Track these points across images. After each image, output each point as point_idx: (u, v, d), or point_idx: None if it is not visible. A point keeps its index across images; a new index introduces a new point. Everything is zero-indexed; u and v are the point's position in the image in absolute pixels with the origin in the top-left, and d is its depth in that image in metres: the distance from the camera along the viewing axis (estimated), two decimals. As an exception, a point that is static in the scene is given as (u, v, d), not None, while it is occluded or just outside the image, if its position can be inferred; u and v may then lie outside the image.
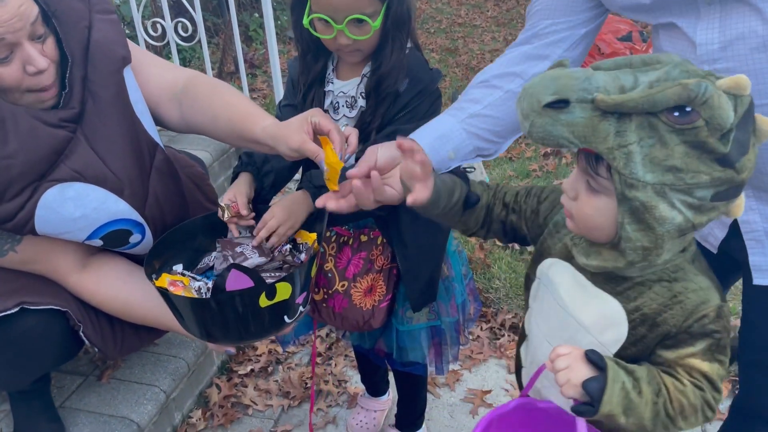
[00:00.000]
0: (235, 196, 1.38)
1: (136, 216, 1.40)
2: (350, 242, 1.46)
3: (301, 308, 1.31)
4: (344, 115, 1.39)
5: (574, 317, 1.01)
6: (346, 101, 1.38)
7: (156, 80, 1.47)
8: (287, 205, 1.36)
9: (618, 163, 0.84)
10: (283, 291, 1.23)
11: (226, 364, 2.16)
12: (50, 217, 1.29)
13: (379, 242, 1.46)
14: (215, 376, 2.11)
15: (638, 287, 0.96)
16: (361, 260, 1.45)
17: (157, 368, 1.88)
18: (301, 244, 1.42)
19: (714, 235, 1.18)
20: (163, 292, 1.27)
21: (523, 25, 1.34)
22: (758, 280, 1.13)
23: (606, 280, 0.98)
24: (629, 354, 0.98)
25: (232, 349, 1.48)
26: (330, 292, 1.46)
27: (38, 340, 1.40)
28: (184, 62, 4.56)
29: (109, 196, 1.35)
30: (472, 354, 2.22)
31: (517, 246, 2.75)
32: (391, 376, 1.97)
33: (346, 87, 1.37)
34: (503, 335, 2.31)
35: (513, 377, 2.12)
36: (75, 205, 1.30)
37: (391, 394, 2.00)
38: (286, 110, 1.45)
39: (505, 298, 2.45)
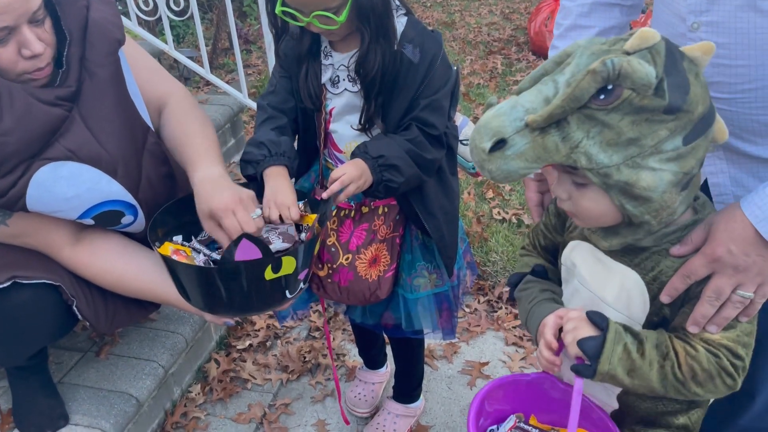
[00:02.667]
0: (288, 206, 1.30)
1: (129, 198, 1.40)
2: (351, 215, 1.45)
3: (301, 284, 1.32)
4: (346, 89, 1.38)
5: (598, 295, 1.02)
6: (348, 75, 1.36)
7: (149, 87, 1.49)
8: (360, 165, 1.31)
9: (581, 162, 0.86)
10: (288, 265, 1.24)
11: (224, 339, 2.17)
12: (42, 195, 1.28)
13: (380, 212, 1.46)
14: (214, 351, 2.12)
15: (655, 256, 0.96)
16: (364, 232, 1.45)
17: (155, 344, 1.89)
18: (303, 225, 1.41)
19: None
20: (168, 261, 1.26)
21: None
22: None
23: (623, 253, 0.98)
24: (654, 324, 0.99)
25: (231, 321, 1.48)
26: (334, 266, 1.46)
27: (31, 315, 1.39)
28: (178, 38, 4.51)
29: (103, 176, 1.34)
30: (469, 326, 2.22)
31: (514, 219, 2.75)
32: (388, 349, 1.98)
33: (346, 60, 1.35)
34: (500, 308, 2.32)
35: (510, 349, 2.13)
36: (68, 185, 1.29)
37: (389, 367, 2.01)
38: (281, 81, 1.43)
39: (502, 271, 2.45)
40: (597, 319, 0.96)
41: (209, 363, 2.06)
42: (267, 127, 1.40)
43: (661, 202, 0.88)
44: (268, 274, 1.22)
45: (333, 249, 1.46)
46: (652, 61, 0.82)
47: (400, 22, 1.32)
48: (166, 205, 1.40)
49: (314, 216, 1.39)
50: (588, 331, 0.96)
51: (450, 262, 1.52)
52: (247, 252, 1.19)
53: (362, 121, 1.36)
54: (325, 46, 1.38)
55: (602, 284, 1.02)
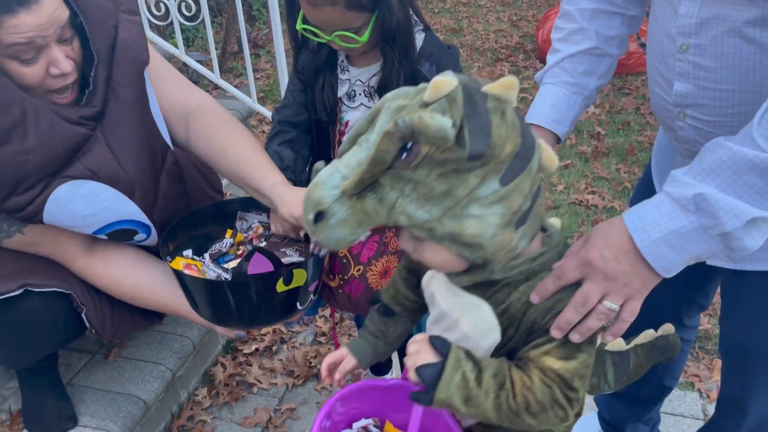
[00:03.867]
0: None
1: (143, 218, 1.41)
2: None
3: (311, 296, 1.34)
4: (362, 104, 1.39)
5: (456, 325, 1.00)
6: (364, 90, 1.38)
7: (169, 95, 1.49)
8: None
9: (402, 221, 0.84)
10: (299, 278, 1.25)
11: (230, 343, 2.19)
12: (59, 212, 1.29)
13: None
14: (220, 355, 2.13)
15: (505, 288, 0.94)
16: (375, 243, 1.46)
17: (162, 347, 1.90)
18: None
19: None
20: (179, 275, 1.28)
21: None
22: (711, 260, 1.14)
23: (476, 286, 0.95)
24: (502, 354, 0.97)
25: (242, 333, 1.49)
26: (346, 277, 1.47)
27: (41, 322, 1.41)
28: (187, 42, 4.53)
29: (120, 197, 1.35)
30: (474, 334, 2.23)
31: (520, 227, 2.75)
32: (394, 356, 1.99)
33: (363, 75, 1.37)
34: (506, 316, 2.32)
35: (515, 357, 2.14)
36: (85, 203, 1.31)
37: (395, 373, 2.02)
38: (296, 93, 1.45)
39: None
40: (438, 344, 0.93)
41: (216, 366, 2.08)
42: (275, 142, 1.43)
43: (494, 245, 0.86)
44: (280, 287, 1.23)
45: (344, 260, 1.47)
46: (449, 109, 0.79)
47: (418, 39, 1.33)
48: (177, 220, 1.42)
49: None
50: (429, 356, 0.93)
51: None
52: (259, 265, 1.20)
53: None
54: (342, 61, 1.39)
55: (459, 316, 0.99)
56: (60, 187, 1.27)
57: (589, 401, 1.93)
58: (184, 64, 3.21)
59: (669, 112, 1.07)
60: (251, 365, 2.10)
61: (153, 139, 1.41)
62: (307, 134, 1.46)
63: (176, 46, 3.01)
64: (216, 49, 3.07)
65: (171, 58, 3.34)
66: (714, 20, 0.93)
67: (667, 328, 1.31)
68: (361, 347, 1.18)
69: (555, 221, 0.99)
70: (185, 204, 1.52)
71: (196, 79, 3.87)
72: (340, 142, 1.44)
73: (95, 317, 1.47)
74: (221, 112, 1.51)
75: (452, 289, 0.99)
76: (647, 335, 1.28)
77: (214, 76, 3.00)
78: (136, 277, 1.46)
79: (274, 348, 2.19)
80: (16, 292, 1.36)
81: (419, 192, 0.82)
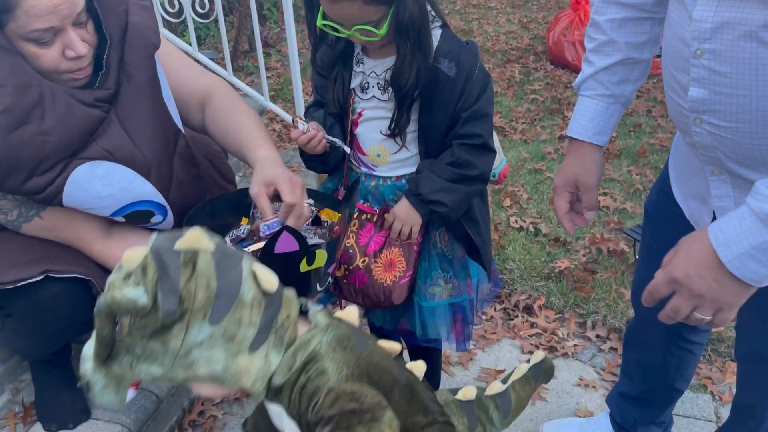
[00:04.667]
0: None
1: (160, 199, 1.42)
2: (374, 219, 1.47)
3: (329, 279, 1.35)
4: (374, 96, 1.40)
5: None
6: (378, 83, 1.39)
7: (191, 83, 1.54)
8: (403, 205, 1.43)
9: (146, 378, 0.91)
10: (320, 258, 1.27)
11: (241, 339, 2.19)
12: (78, 193, 1.31)
13: None
14: (231, 351, 2.13)
15: (286, 391, 0.99)
16: (383, 238, 1.47)
17: (175, 342, 1.91)
18: (325, 221, 1.44)
19: (703, 219, 1.19)
20: None
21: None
22: None
23: (272, 397, 1.01)
24: None
25: None
26: (351, 267, 1.48)
27: (62, 309, 1.41)
28: (199, 41, 4.55)
29: (137, 177, 1.37)
30: (485, 334, 2.23)
31: (531, 228, 2.75)
32: (405, 355, 1.99)
33: (378, 68, 1.38)
34: (516, 316, 2.32)
35: (526, 357, 2.13)
36: (103, 184, 1.32)
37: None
38: (321, 90, 1.50)
39: (519, 280, 2.46)
40: None
41: (227, 362, 2.08)
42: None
43: (234, 375, 0.92)
44: (303, 267, 1.25)
45: (351, 251, 1.49)
46: (142, 279, 0.86)
47: (435, 35, 1.34)
48: (199, 204, 1.43)
49: (337, 214, 1.44)
50: None
51: (488, 264, 1.56)
52: (286, 244, 1.21)
53: (392, 129, 1.38)
54: (358, 53, 1.40)
55: (280, 424, 1.05)
56: (78, 168, 1.29)
57: (601, 402, 1.93)
58: (196, 62, 3.22)
59: (685, 118, 1.06)
60: (262, 362, 2.10)
61: (165, 122, 1.43)
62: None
63: (189, 43, 3.01)
64: (228, 47, 3.07)
65: (183, 56, 3.35)
66: (729, 25, 0.92)
67: (537, 356, 1.40)
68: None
69: (320, 317, 1.03)
70: (200, 188, 1.53)
71: (208, 77, 3.88)
72: (351, 132, 1.48)
73: None
74: (230, 94, 1.56)
75: (266, 404, 1.06)
76: (520, 370, 1.37)
77: (227, 74, 3.00)
78: None
79: (285, 345, 2.19)
80: (38, 278, 1.36)
81: (145, 353, 0.89)
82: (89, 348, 0.90)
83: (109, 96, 1.33)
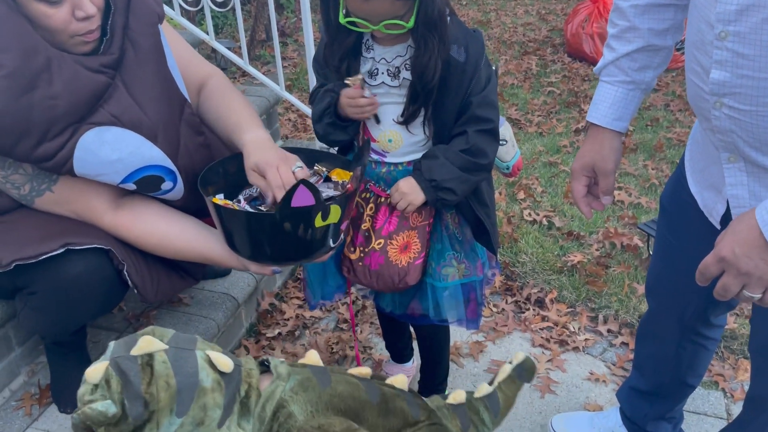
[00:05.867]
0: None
1: (168, 163, 1.45)
2: (388, 202, 1.49)
3: (341, 236, 1.39)
4: (383, 82, 1.41)
5: None
6: (388, 69, 1.40)
7: (193, 68, 1.59)
8: (412, 184, 1.44)
9: None
10: (335, 214, 1.30)
11: (254, 326, 2.21)
12: (88, 158, 1.34)
13: None
14: (244, 338, 2.16)
15: None
16: (397, 219, 1.48)
17: (188, 327, 1.93)
18: (337, 182, 1.47)
19: (716, 209, 1.20)
20: (220, 209, 1.33)
21: None
22: None
23: None
24: None
25: (278, 269, 1.48)
26: (366, 250, 1.50)
27: (85, 283, 1.42)
28: (216, 29, 4.56)
29: (144, 142, 1.39)
30: (496, 326, 2.23)
31: (545, 221, 2.74)
32: (415, 345, 2.00)
33: (388, 55, 1.39)
34: (528, 309, 2.32)
35: (537, 350, 2.13)
36: (112, 149, 1.35)
37: (416, 362, 2.03)
38: (322, 75, 1.49)
39: (531, 273, 2.45)
40: None
41: (239, 349, 2.10)
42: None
43: None
44: (318, 222, 1.28)
45: (367, 234, 1.50)
46: (108, 390, 0.97)
47: None
48: (212, 164, 1.47)
49: (349, 174, 1.47)
50: None
51: (497, 246, 1.60)
52: (302, 198, 1.24)
53: (404, 116, 1.40)
54: (367, 39, 1.41)
55: None
56: (87, 133, 1.32)
57: (611, 397, 1.92)
58: (213, 51, 3.23)
59: (705, 102, 1.06)
60: (274, 349, 2.13)
61: (171, 90, 1.46)
62: None
63: (206, 31, 3.03)
64: (245, 37, 3.08)
65: (200, 44, 3.36)
66: (754, 7, 0.92)
67: (519, 357, 1.43)
68: None
69: (281, 368, 1.16)
70: (208, 155, 1.55)
71: (224, 65, 3.90)
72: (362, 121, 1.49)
73: (136, 275, 1.49)
74: (225, 82, 1.62)
75: None
76: (504, 370, 1.41)
77: (243, 63, 3.02)
78: (166, 227, 1.48)
79: (297, 333, 2.21)
80: (58, 251, 1.38)
81: None
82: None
83: (114, 61, 1.36)
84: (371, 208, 1.51)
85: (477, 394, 1.38)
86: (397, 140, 1.47)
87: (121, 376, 0.98)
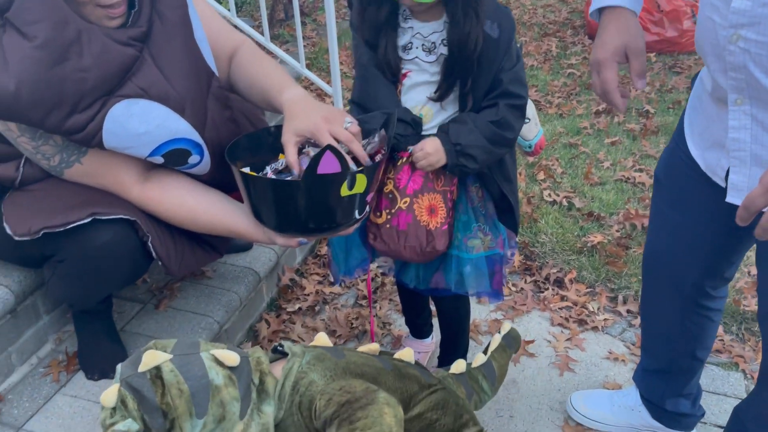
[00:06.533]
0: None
1: (196, 136, 1.45)
2: (409, 161, 1.48)
3: (367, 207, 1.38)
4: (417, 57, 1.41)
5: None
6: (423, 44, 1.40)
7: (222, 38, 1.59)
8: (436, 144, 1.43)
9: None
10: (360, 183, 1.29)
11: (275, 301, 2.23)
12: (117, 130, 1.35)
13: None
14: (265, 312, 2.18)
15: (289, 418, 1.13)
16: (421, 178, 1.47)
17: (211, 300, 1.95)
18: (374, 134, 1.44)
19: (721, 165, 1.19)
20: (246, 177, 1.32)
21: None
22: (731, 198, 1.16)
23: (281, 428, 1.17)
24: None
25: (305, 240, 1.46)
26: (393, 211, 1.49)
27: (112, 252, 1.45)
28: (237, 7, 4.56)
29: (172, 114, 1.40)
30: (515, 305, 2.24)
31: (564, 202, 2.73)
32: (434, 321, 2.01)
33: (425, 29, 1.38)
34: (547, 289, 2.32)
35: (556, 329, 2.14)
36: (140, 121, 1.36)
37: (435, 338, 2.04)
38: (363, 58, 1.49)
39: (551, 253, 2.45)
40: None
41: (260, 323, 2.13)
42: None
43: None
44: (344, 191, 1.27)
45: (391, 195, 1.49)
46: (125, 412, 1.02)
47: None
48: (238, 138, 1.46)
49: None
50: None
51: (518, 225, 1.61)
52: (329, 165, 1.23)
53: (438, 93, 1.40)
54: (404, 10, 1.40)
55: None
56: (115, 106, 1.33)
57: (630, 377, 1.93)
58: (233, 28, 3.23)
59: (719, 40, 1.06)
60: (294, 323, 2.15)
61: (198, 62, 1.46)
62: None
63: (227, 8, 3.03)
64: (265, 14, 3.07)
65: (221, 22, 3.37)
66: None
67: (505, 327, 1.62)
68: None
69: (295, 348, 1.20)
70: (234, 129, 1.56)
71: (244, 44, 3.89)
72: (400, 92, 1.49)
73: (161, 247, 1.51)
74: (255, 49, 1.62)
75: None
76: (495, 340, 1.55)
77: (264, 40, 3.02)
78: (194, 201, 1.50)
79: (317, 308, 2.23)
80: (85, 221, 1.40)
81: None
82: None
83: (142, 34, 1.37)
84: (391, 171, 1.50)
85: (474, 364, 1.48)
86: (428, 116, 1.48)
87: (135, 394, 1.02)
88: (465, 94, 1.43)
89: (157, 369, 1.04)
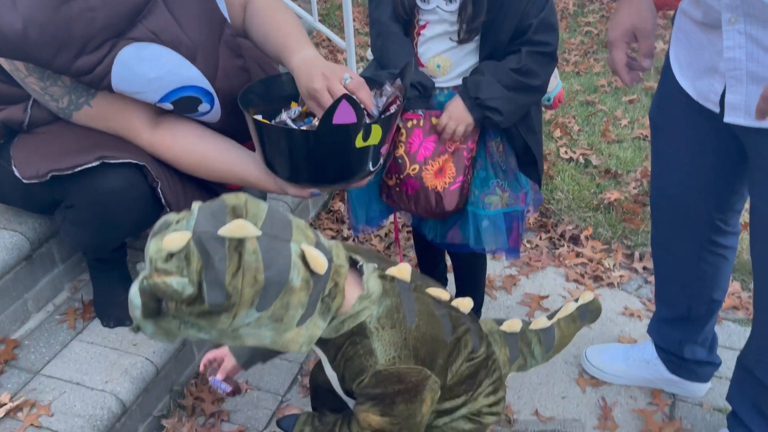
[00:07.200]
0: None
1: (206, 84, 1.42)
2: (421, 124, 1.46)
3: (381, 161, 1.36)
4: (438, 6, 1.37)
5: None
6: None
7: None
8: (460, 108, 1.42)
9: (191, 338, 0.96)
10: (375, 135, 1.27)
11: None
12: (126, 74, 1.32)
13: None
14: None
15: (331, 348, 1.08)
16: (432, 143, 1.46)
17: (225, 251, 1.95)
18: (387, 88, 1.43)
19: (714, 90, 1.20)
20: (260, 125, 1.30)
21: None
22: (729, 117, 1.17)
23: (322, 344, 1.09)
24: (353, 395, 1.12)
25: (317, 191, 1.46)
26: (402, 176, 1.48)
27: (121, 197, 1.43)
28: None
29: (183, 61, 1.37)
30: (530, 261, 2.22)
31: (581, 159, 2.69)
32: (449, 276, 2.00)
33: None
34: (562, 245, 2.30)
35: (571, 285, 2.13)
36: (150, 66, 1.33)
37: (450, 293, 2.03)
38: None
39: (567, 210, 2.42)
40: (285, 424, 1.25)
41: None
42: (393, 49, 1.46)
43: (281, 345, 0.97)
44: (359, 142, 1.25)
45: (400, 160, 1.48)
46: (185, 267, 0.87)
47: None
48: (251, 84, 1.44)
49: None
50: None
51: (541, 177, 1.57)
52: (344, 115, 1.20)
53: (460, 36, 1.37)
54: None
55: (323, 361, 1.14)
56: (125, 48, 1.30)
57: (644, 332, 1.92)
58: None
59: None
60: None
61: (211, 9, 1.43)
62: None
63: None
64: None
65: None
66: None
67: (587, 296, 1.42)
68: (240, 346, 1.27)
69: (373, 284, 1.07)
70: (246, 79, 1.53)
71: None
72: (417, 44, 1.47)
73: (170, 193, 1.49)
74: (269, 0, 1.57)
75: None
76: (567, 308, 1.38)
77: (276, -8, 2.95)
78: (204, 147, 1.47)
79: (330, 262, 2.22)
80: (94, 164, 1.39)
81: (192, 323, 0.92)
82: (137, 298, 0.91)
83: None
84: (402, 134, 1.49)
85: (533, 326, 1.35)
86: (446, 66, 1.44)
87: (204, 257, 0.86)
88: (486, 41, 1.39)
89: (240, 243, 0.88)
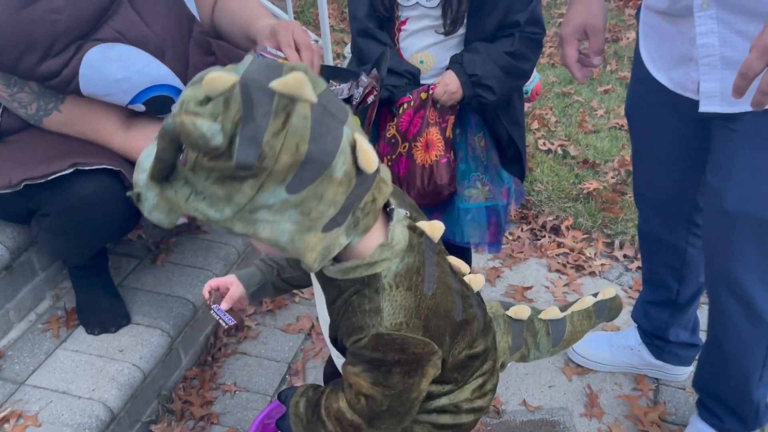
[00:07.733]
0: None
1: (177, 83, 1.41)
2: (411, 103, 1.46)
3: None
4: (418, 2, 1.40)
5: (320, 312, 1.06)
6: None
7: None
8: (453, 78, 1.42)
9: (198, 216, 0.81)
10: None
11: (272, 254, 2.22)
12: (94, 76, 1.31)
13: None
14: (262, 266, 2.16)
15: (335, 289, 0.94)
16: (420, 119, 1.47)
17: (209, 254, 1.94)
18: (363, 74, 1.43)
19: (691, 78, 1.21)
20: None
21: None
22: (704, 107, 1.17)
23: (324, 282, 0.97)
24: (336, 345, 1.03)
25: None
26: (393, 157, 1.49)
27: (96, 204, 1.41)
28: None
29: (152, 59, 1.36)
30: (512, 253, 2.24)
31: (559, 150, 2.72)
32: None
33: None
34: (543, 236, 2.32)
35: (553, 275, 2.15)
36: (118, 66, 1.32)
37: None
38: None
39: (547, 201, 2.45)
40: (282, 397, 1.17)
41: (258, 276, 2.11)
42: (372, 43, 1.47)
43: (296, 248, 0.82)
44: None
45: (393, 140, 1.49)
46: (222, 113, 0.73)
47: None
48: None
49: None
50: None
51: (524, 172, 1.59)
52: None
53: (446, 28, 1.38)
54: None
55: (319, 304, 1.03)
56: (91, 50, 1.29)
57: (628, 318, 1.95)
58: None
59: None
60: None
61: (178, 5, 1.42)
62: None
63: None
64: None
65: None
66: None
67: (608, 292, 1.31)
68: (249, 274, 1.20)
69: (398, 235, 0.92)
70: None
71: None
72: (398, 39, 1.47)
73: None
74: None
75: (315, 279, 1.03)
76: (583, 303, 1.27)
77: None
78: None
79: (315, 261, 2.22)
80: (67, 171, 1.36)
81: (205, 193, 0.78)
82: (147, 159, 0.81)
83: None
84: (394, 119, 1.49)
85: (542, 316, 1.24)
86: (429, 62, 1.45)
87: (247, 107, 0.73)
88: (471, 36, 1.39)
89: (291, 102, 0.74)
